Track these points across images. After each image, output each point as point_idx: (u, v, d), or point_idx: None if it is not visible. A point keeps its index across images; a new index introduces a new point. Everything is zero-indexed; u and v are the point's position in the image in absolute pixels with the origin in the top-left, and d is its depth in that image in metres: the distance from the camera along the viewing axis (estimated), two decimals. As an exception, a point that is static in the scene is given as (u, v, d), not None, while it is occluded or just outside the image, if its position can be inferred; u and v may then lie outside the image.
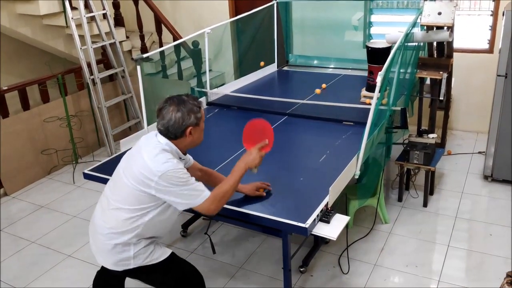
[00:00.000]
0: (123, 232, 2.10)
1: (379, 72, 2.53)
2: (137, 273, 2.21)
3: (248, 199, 2.52)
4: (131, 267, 2.15)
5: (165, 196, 2.06)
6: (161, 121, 2.10)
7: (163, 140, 2.11)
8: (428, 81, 3.88)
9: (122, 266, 2.15)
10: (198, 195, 2.10)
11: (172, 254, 2.27)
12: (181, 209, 2.13)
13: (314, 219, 2.25)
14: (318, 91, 3.90)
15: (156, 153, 2.05)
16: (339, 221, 2.33)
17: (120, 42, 5.11)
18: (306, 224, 2.20)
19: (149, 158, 2.04)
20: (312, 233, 2.26)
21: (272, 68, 4.78)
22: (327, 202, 2.37)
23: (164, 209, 2.14)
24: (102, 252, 2.17)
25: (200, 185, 2.12)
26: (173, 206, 2.13)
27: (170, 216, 2.20)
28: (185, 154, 2.23)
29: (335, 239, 2.26)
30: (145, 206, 2.09)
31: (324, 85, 4.05)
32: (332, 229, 2.27)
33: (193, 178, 2.12)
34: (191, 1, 5.79)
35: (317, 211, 2.30)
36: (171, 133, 2.09)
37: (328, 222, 2.31)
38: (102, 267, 2.33)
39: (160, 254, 2.22)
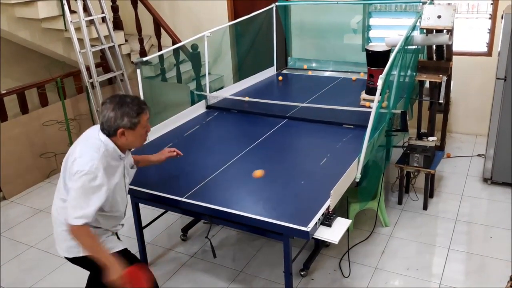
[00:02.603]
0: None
1: (380, 76, 2.54)
2: (87, 263, 2.20)
3: (248, 202, 2.51)
4: (80, 254, 2.17)
5: (70, 190, 2.06)
6: (101, 114, 2.15)
7: (103, 137, 2.14)
8: (427, 84, 3.89)
9: (73, 253, 2.20)
10: (83, 210, 2.01)
11: (125, 249, 2.29)
12: (67, 211, 2.07)
13: (316, 223, 2.25)
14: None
15: (83, 152, 2.08)
16: (341, 225, 2.33)
17: (119, 46, 5.10)
18: (308, 228, 2.19)
19: (80, 153, 2.08)
20: (314, 236, 2.25)
21: (271, 71, 4.78)
22: (329, 206, 2.36)
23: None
24: (56, 240, 2.26)
25: (92, 210, 2.04)
26: (109, 193, 2.12)
27: (111, 203, 2.18)
28: (125, 152, 2.22)
29: (337, 243, 2.25)
30: None
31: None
32: (334, 233, 2.27)
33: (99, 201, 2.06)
34: (190, 5, 5.79)
35: (319, 215, 2.29)
36: (105, 129, 2.13)
37: (329, 225, 2.31)
38: (90, 274, 2.39)
39: (112, 246, 2.24)
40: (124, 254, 2.26)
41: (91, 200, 2.04)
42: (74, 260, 2.25)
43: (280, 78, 4.26)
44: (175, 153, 2.70)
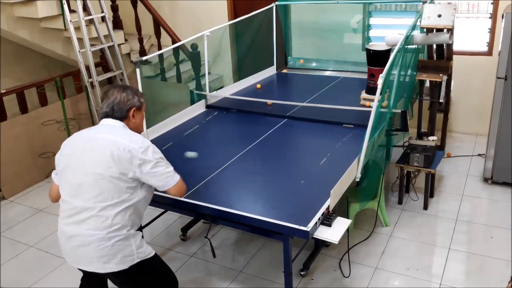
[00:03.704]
0: (120, 227, 2.04)
1: (380, 75, 2.53)
2: (138, 270, 2.13)
3: (248, 202, 2.51)
4: (135, 262, 2.10)
5: (147, 171, 2.05)
6: (107, 101, 2.14)
7: (116, 123, 2.13)
8: (427, 84, 3.88)
9: (128, 263, 2.08)
10: (170, 177, 2.14)
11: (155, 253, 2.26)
12: (161, 186, 2.14)
13: (316, 223, 2.24)
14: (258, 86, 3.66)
15: (130, 133, 2.09)
16: (341, 225, 2.32)
17: (119, 45, 5.09)
18: (308, 228, 2.18)
19: (125, 138, 2.04)
20: (314, 236, 2.25)
21: (271, 70, 4.77)
22: (328, 205, 2.35)
23: (145, 191, 2.15)
24: (103, 258, 2.04)
25: (171, 166, 2.17)
26: (150, 187, 2.15)
27: (148, 198, 2.22)
28: None
29: (337, 243, 2.24)
30: (130, 194, 2.07)
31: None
32: (334, 233, 2.26)
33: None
34: (190, 4, 5.78)
35: (319, 215, 2.28)
36: (116, 112, 2.13)
37: (329, 225, 2.30)
38: (84, 276, 2.32)
39: (150, 248, 2.22)
40: (158, 257, 2.27)
41: (167, 162, 2.15)
42: (129, 270, 2.09)
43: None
44: None
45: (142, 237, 2.20)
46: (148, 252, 2.17)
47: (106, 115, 2.14)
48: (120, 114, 2.13)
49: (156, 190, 2.22)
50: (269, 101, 3.81)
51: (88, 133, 2.16)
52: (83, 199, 2.03)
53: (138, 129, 2.24)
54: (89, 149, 2.06)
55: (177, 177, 2.18)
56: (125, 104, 2.14)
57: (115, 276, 2.12)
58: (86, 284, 2.38)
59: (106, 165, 2.01)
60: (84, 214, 2.03)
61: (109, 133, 2.10)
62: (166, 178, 2.13)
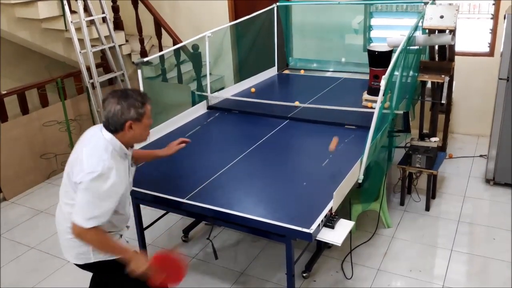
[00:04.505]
0: None
1: (383, 76, 2.52)
2: (101, 268, 2.18)
3: (250, 204, 2.50)
4: (92, 260, 2.13)
5: (78, 192, 1.99)
6: (104, 112, 2.09)
7: (108, 135, 2.07)
8: (429, 85, 3.87)
9: (83, 260, 2.15)
10: (96, 211, 1.97)
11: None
12: (73, 211, 2.02)
13: (319, 225, 2.23)
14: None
15: (94, 152, 2.02)
16: (344, 226, 2.31)
17: (120, 46, 5.09)
18: (311, 230, 2.18)
19: (86, 155, 2.02)
20: (317, 238, 2.24)
21: (273, 71, 4.76)
22: (331, 207, 2.35)
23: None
24: (64, 247, 2.20)
25: (106, 211, 2.00)
26: (121, 193, 2.07)
27: (119, 205, 2.11)
28: (128, 148, 2.16)
29: (340, 245, 2.23)
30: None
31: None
32: (337, 235, 2.25)
33: (113, 203, 2.03)
34: (191, 5, 5.78)
35: (321, 216, 2.27)
36: (111, 125, 2.06)
37: (332, 227, 2.29)
38: (93, 276, 2.36)
39: None
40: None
41: (105, 201, 1.99)
42: (85, 267, 2.19)
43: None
44: (183, 145, 2.61)
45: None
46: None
47: (103, 124, 2.11)
48: (114, 127, 2.06)
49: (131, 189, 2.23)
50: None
51: (86, 135, 2.17)
52: (61, 192, 2.17)
53: (139, 138, 2.16)
54: (74, 151, 2.14)
55: (88, 223, 1.96)
56: (119, 118, 2.03)
57: (79, 266, 2.22)
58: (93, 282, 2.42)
59: (70, 172, 2.08)
60: (60, 204, 2.18)
61: (89, 143, 2.09)
62: (80, 209, 1.99)
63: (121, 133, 2.07)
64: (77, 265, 2.21)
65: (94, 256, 2.12)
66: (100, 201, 1.98)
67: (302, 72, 4.81)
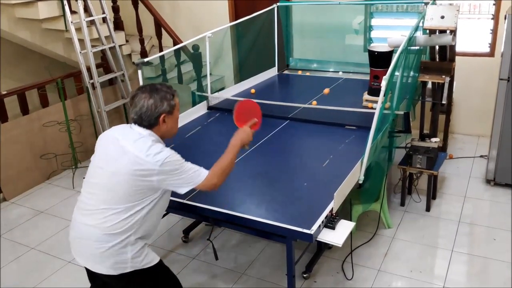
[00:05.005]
0: (120, 232, 2.01)
1: (384, 77, 2.52)
2: (130, 279, 2.11)
3: (250, 204, 2.49)
4: (127, 270, 2.06)
5: (168, 182, 2.03)
6: (134, 109, 2.06)
7: (143, 131, 2.06)
8: (429, 85, 3.87)
9: (119, 270, 2.05)
10: (199, 173, 2.10)
11: (161, 260, 2.20)
12: (184, 191, 2.10)
13: (319, 225, 2.23)
14: (326, 90, 3.77)
15: (148, 146, 2.00)
16: (344, 227, 2.30)
17: (120, 46, 5.08)
18: (311, 231, 2.17)
19: (142, 152, 1.98)
20: (317, 239, 2.23)
21: (273, 72, 4.76)
22: (332, 208, 2.34)
23: (157, 202, 2.09)
24: (96, 258, 2.05)
25: (194, 165, 2.13)
26: (163, 197, 2.10)
27: (161, 209, 2.17)
28: None
29: (340, 246, 2.23)
30: (140, 202, 2.02)
31: (327, 90, 3.94)
32: (337, 235, 2.25)
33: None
34: (191, 5, 5.77)
35: (322, 217, 2.27)
36: (144, 120, 2.05)
37: (333, 228, 2.28)
38: (89, 275, 2.28)
39: (152, 258, 2.15)
40: (162, 265, 2.21)
41: (188, 164, 2.08)
42: (119, 278, 2.07)
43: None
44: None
45: (147, 246, 2.15)
46: (146, 262, 2.10)
47: (135, 122, 2.08)
48: (148, 122, 2.05)
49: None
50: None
51: (118, 135, 2.11)
52: (96, 198, 2.05)
53: (170, 132, 2.16)
54: (112, 153, 2.05)
55: (203, 173, 2.11)
56: (153, 112, 2.03)
57: (105, 277, 2.11)
58: (94, 285, 2.36)
59: (125, 176, 1.99)
60: (92, 211, 2.05)
61: (132, 142, 2.03)
62: (189, 182, 2.08)
63: (155, 128, 2.08)
64: (109, 277, 2.09)
65: (132, 265, 2.06)
66: (184, 167, 2.06)
67: (299, 72, 4.81)
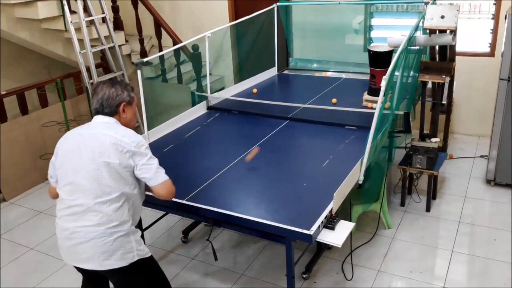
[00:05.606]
0: (121, 223, 2.05)
1: (384, 77, 2.51)
2: (138, 268, 2.13)
3: (250, 205, 2.49)
4: (135, 259, 2.10)
5: (140, 164, 2.08)
6: (96, 98, 2.14)
7: (109, 119, 2.14)
8: (429, 85, 3.86)
9: (128, 259, 2.08)
10: (161, 173, 2.14)
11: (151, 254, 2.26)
12: (151, 184, 2.12)
13: (319, 226, 2.22)
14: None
15: (123, 129, 2.11)
16: (344, 228, 2.30)
17: (120, 46, 5.07)
18: (311, 231, 2.17)
19: (118, 134, 2.07)
20: (317, 240, 2.23)
21: (273, 72, 4.75)
22: (331, 208, 2.33)
23: (139, 188, 2.17)
24: (104, 254, 2.03)
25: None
26: (142, 183, 2.17)
27: (142, 195, 2.24)
28: None
29: (340, 246, 2.22)
30: (127, 187, 2.08)
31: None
32: (337, 236, 2.24)
33: None
34: (191, 5, 5.77)
35: (322, 218, 2.26)
36: (105, 107, 2.12)
37: (332, 228, 2.28)
38: (85, 279, 2.30)
39: (147, 249, 2.21)
40: (151, 259, 2.24)
41: (156, 160, 2.15)
42: (128, 269, 2.09)
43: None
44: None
45: (142, 236, 2.20)
46: (146, 251, 2.19)
47: (97, 112, 2.15)
48: (109, 109, 2.13)
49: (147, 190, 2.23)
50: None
51: (81, 130, 2.17)
52: (83, 196, 2.04)
53: (129, 125, 2.22)
54: (83, 146, 2.08)
55: (166, 176, 2.16)
56: (114, 99, 2.12)
57: (114, 272, 2.11)
58: (88, 286, 2.36)
59: (103, 156, 2.04)
60: (84, 211, 2.03)
61: (102, 129, 2.10)
62: (156, 173, 2.12)
63: (116, 116, 2.15)
64: (118, 270, 2.08)
65: (138, 253, 2.11)
66: (153, 159, 2.14)
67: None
